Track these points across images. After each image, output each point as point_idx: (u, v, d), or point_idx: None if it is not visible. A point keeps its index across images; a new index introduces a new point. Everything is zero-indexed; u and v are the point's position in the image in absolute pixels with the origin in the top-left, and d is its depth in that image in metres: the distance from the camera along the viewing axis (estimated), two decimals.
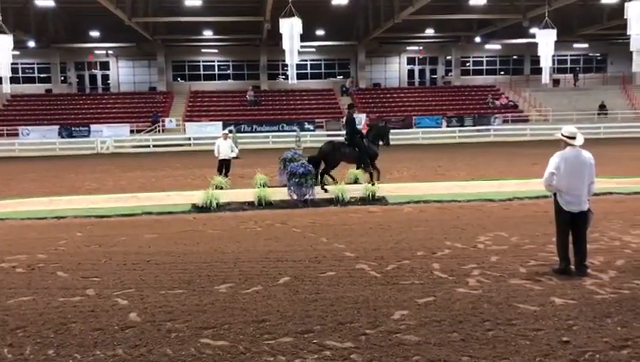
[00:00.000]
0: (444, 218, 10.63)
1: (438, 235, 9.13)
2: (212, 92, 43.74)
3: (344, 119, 15.01)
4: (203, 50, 45.21)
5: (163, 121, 37.94)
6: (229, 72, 46.67)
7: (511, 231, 9.23)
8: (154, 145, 34.88)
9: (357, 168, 14.53)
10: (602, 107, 40.27)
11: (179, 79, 46.01)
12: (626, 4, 18.95)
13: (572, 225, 6.87)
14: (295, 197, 12.31)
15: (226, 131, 18.23)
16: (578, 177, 6.79)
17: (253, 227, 10.16)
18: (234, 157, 16.92)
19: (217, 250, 8.44)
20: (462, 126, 38.12)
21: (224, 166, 16.18)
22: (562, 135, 6.93)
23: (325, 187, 13.47)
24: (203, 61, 46.17)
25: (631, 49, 18.79)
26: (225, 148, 16.17)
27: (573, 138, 6.84)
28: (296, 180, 12.21)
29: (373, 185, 13.61)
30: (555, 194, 6.98)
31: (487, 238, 8.85)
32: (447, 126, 38.30)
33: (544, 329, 5.24)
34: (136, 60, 45.71)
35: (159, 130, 37.61)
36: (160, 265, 7.67)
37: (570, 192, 6.80)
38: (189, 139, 35.83)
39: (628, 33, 18.87)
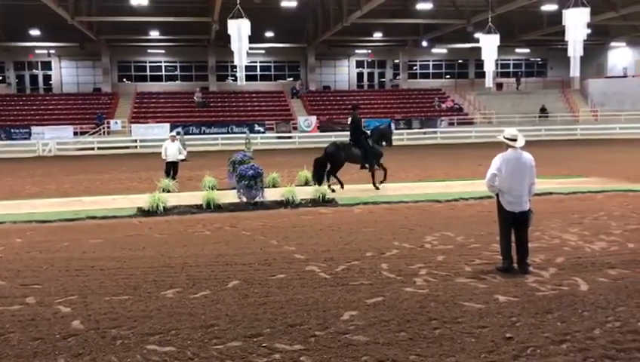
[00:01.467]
0: (392, 219, 10.77)
1: (387, 236, 9.24)
2: (159, 93, 42.90)
3: (349, 120, 15.24)
4: (149, 51, 44.30)
5: (108, 123, 36.91)
6: (176, 73, 45.88)
7: (457, 231, 9.44)
8: (99, 148, 33.91)
9: (361, 168, 14.72)
10: (543, 110, 41.73)
11: (124, 80, 44.91)
12: (564, 11, 19.74)
13: (514, 224, 7.09)
14: (245, 199, 12.21)
15: (174, 133, 17.94)
16: (519, 178, 7.01)
17: (202, 230, 10.02)
18: (182, 160, 16.65)
19: (164, 255, 8.28)
20: (409, 128, 38.73)
21: (172, 168, 15.90)
22: (504, 137, 7.14)
23: (332, 187, 13.76)
24: (150, 62, 45.22)
25: (569, 54, 19.58)
26: (172, 151, 15.90)
27: (514, 140, 7.07)
28: (246, 183, 12.12)
29: (376, 186, 14.17)
30: (497, 195, 7.19)
31: (434, 238, 9.02)
32: (396, 128, 38.81)
33: (489, 326, 5.38)
34: (80, 60, 44.31)
35: (104, 132, 36.59)
36: (104, 271, 7.46)
37: (512, 193, 7.02)
38: (136, 141, 34.97)
39: (566, 39, 19.66)
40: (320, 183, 13.75)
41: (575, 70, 19.54)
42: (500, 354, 4.79)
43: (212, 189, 13.32)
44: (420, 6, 33.67)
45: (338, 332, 5.28)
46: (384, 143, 14.65)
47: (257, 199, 12.20)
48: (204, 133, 36.59)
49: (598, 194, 12.99)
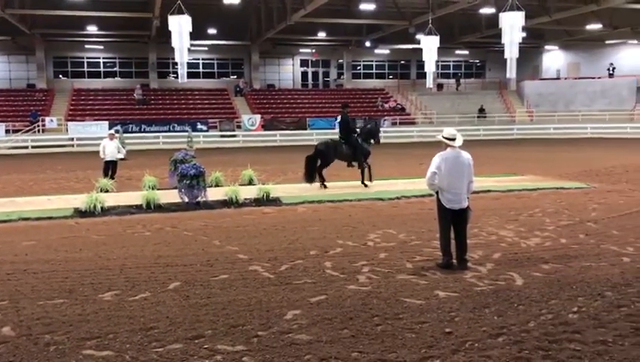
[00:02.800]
0: (336, 217, 10.83)
1: (331, 234, 9.29)
2: (97, 90, 41.57)
3: (338, 118, 15.31)
4: (87, 46, 42.84)
5: (43, 121, 35.47)
6: (115, 69, 44.58)
7: (399, 229, 9.59)
8: (33, 146, 32.59)
9: (348, 166, 14.92)
10: (481, 110, 43.02)
11: (60, 76, 43.26)
12: (501, 15, 20.41)
13: (453, 221, 7.27)
14: (186, 199, 11.99)
15: (113, 131, 17.45)
16: (458, 176, 7.19)
17: (142, 231, 9.77)
18: (121, 159, 16.22)
19: (102, 257, 8.02)
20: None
21: (110, 168, 15.47)
22: (443, 137, 7.31)
23: (325, 183, 14.18)
24: (87, 57, 43.74)
25: (505, 56, 20.26)
26: (111, 149, 15.47)
27: (453, 139, 7.25)
28: (188, 182, 11.89)
29: (364, 184, 14.42)
30: (437, 193, 7.35)
31: (377, 236, 9.13)
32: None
33: (429, 321, 5.49)
34: (12, 55, 42.37)
35: (39, 130, 35.12)
36: (38, 274, 7.15)
37: (451, 190, 7.19)
38: (72, 139, 33.82)
39: (502, 41, 20.33)
40: (311, 181, 14.04)
41: (511, 72, 20.24)
42: (440, 348, 4.89)
43: (152, 189, 13.01)
44: (363, 6, 34.03)
45: (281, 332, 5.26)
46: (372, 141, 14.92)
47: (199, 199, 12.00)
48: (145, 131, 35.77)
49: (533, 192, 13.49)
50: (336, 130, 17.23)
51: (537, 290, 6.35)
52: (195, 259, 7.85)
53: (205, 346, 4.99)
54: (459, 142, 7.26)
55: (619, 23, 38.26)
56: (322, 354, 4.81)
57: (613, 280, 6.66)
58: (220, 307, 5.93)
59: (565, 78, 46.51)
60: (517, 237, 8.93)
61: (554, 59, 49.24)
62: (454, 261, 7.28)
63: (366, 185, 14.41)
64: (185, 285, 6.69)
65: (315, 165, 14.21)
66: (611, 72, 44.12)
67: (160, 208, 11.63)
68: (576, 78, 45.55)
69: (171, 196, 12.35)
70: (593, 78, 44.25)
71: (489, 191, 13.45)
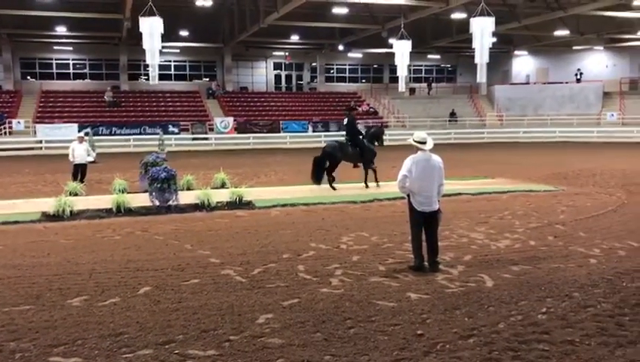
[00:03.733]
0: (310, 220, 10.83)
1: (304, 237, 9.28)
2: (66, 92, 40.80)
3: (345, 121, 15.66)
4: (56, 48, 42.10)
5: (10, 123, 34.69)
6: (85, 70, 43.90)
7: (371, 231, 9.63)
8: (0, 149, 31.86)
9: (354, 166, 15.25)
10: (452, 114, 43.53)
11: (28, 77, 42.41)
12: (471, 20, 20.70)
13: (425, 224, 7.33)
14: (157, 203, 11.84)
15: (82, 134, 17.16)
16: (429, 179, 7.26)
17: (111, 235, 9.61)
18: (91, 162, 15.96)
19: (71, 261, 7.87)
20: (327, 131, 39.16)
21: (79, 171, 15.21)
22: (413, 140, 7.38)
23: (334, 186, 14.42)
24: (56, 59, 42.99)
25: (475, 61, 20.55)
26: (80, 152, 15.23)
27: (424, 143, 7.31)
28: (159, 185, 11.73)
29: (366, 185, 14.75)
30: (408, 196, 7.40)
31: (350, 239, 9.16)
32: (314, 131, 39.18)
33: (401, 323, 5.52)
34: None
35: (6, 133, 34.34)
36: (4, 280, 6.98)
37: (422, 193, 7.25)
38: (41, 142, 33.14)
39: (473, 46, 20.62)
40: (319, 182, 14.33)
41: (482, 76, 20.53)
42: (412, 350, 4.92)
43: (123, 192, 12.82)
44: (336, 10, 34.15)
45: (253, 336, 5.23)
46: (376, 143, 15.33)
47: (171, 202, 11.86)
48: (115, 134, 35.28)
49: (503, 195, 13.69)
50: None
51: (507, 292, 6.44)
52: (166, 263, 7.76)
53: (176, 351, 4.93)
54: (429, 145, 7.32)
55: (585, 29, 39.18)
56: (294, 357, 4.79)
57: (580, 281, 6.79)
58: (191, 311, 5.87)
59: (534, 83, 47.40)
60: (487, 240, 9.05)
61: (523, 64, 50.16)
62: (426, 263, 7.34)
63: (367, 186, 14.76)
64: (155, 290, 6.61)
65: (323, 166, 14.51)
66: (579, 77, 45.12)
67: (130, 212, 11.47)
68: (544, 83, 46.45)
69: (142, 200, 12.18)
70: (561, 83, 45.18)
71: (460, 194, 13.61)
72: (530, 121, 41.94)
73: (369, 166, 14.94)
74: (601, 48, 46.26)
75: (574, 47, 45.77)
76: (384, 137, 16.00)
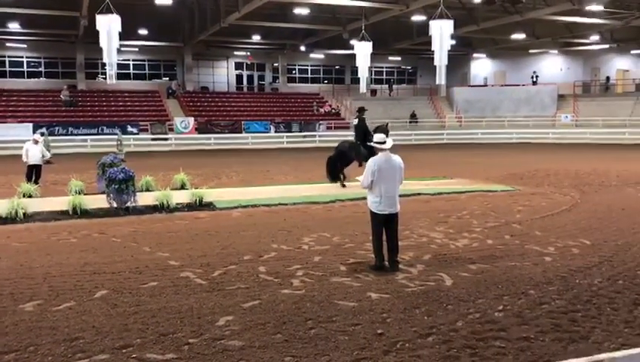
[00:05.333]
0: (271, 221, 10.78)
1: (266, 238, 9.24)
2: (20, 91, 39.51)
3: (355, 121, 16.09)
4: (8, 45, 40.75)
5: None
6: (40, 69, 42.65)
7: (333, 232, 9.66)
8: None
9: (359, 165, 15.43)
10: (413, 116, 44.04)
11: None
12: (431, 22, 20.98)
13: (385, 224, 7.39)
14: (115, 204, 11.59)
15: (37, 136, 16.66)
16: (391, 180, 7.34)
17: (67, 238, 9.37)
18: (46, 162, 15.52)
19: (24, 265, 7.63)
20: (289, 132, 39.14)
21: (34, 172, 14.79)
22: (374, 142, 7.47)
23: (345, 183, 14.86)
24: (9, 56, 41.61)
25: (435, 63, 20.84)
26: (35, 153, 14.81)
27: (383, 143, 7.41)
28: (116, 186, 11.49)
29: None
30: (370, 196, 7.46)
31: (312, 239, 9.16)
32: (276, 131, 39.08)
33: (361, 323, 5.54)
34: None
35: None
36: None
37: (386, 195, 7.32)
38: None
39: (432, 49, 20.90)
40: (335, 180, 14.90)
41: (441, 78, 20.82)
42: (372, 350, 4.95)
43: (79, 194, 12.53)
44: (297, 11, 34.13)
45: (213, 339, 5.17)
46: None
47: (129, 204, 11.63)
48: (72, 134, 34.38)
49: (462, 195, 13.93)
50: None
51: (465, 290, 6.55)
52: (123, 266, 7.61)
53: (134, 355, 4.84)
54: (389, 145, 7.44)
55: (541, 33, 40.24)
56: (255, 359, 4.76)
57: (535, 279, 6.96)
58: (149, 315, 5.77)
59: (492, 85, 48.38)
60: (446, 239, 9.19)
61: (482, 66, 51.17)
62: (386, 263, 7.41)
63: None
64: (113, 293, 6.47)
65: (337, 165, 15.02)
66: (535, 79, 46.31)
67: (87, 214, 11.20)
68: (502, 86, 47.47)
69: (99, 201, 11.91)
70: (518, 85, 46.27)
71: (420, 194, 13.79)
72: (488, 122, 42.79)
73: None
74: (556, 52, 47.60)
75: (530, 51, 46.97)
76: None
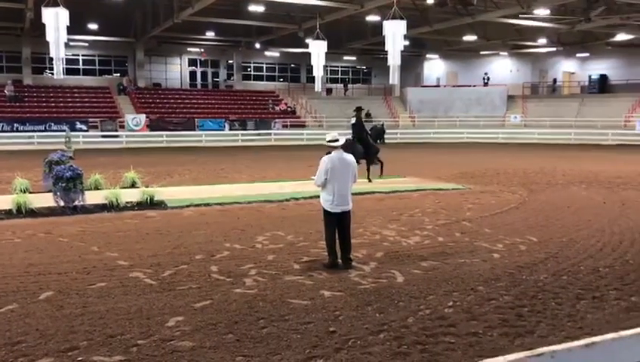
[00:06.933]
0: (224, 220, 10.67)
1: (218, 238, 9.13)
2: None
3: (353, 120, 16.49)
4: None
5: None
6: None
7: (287, 230, 9.64)
8: None
9: (357, 163, 15.89)
10: (368, 115, 44.29)
11: None
12: (384, 23, 21.20)
13: (338, 222, 7.43)
14: (62, 203, 11.24)
15: None
16: (344, 178, 7.38)
17: (11, 238, 9.02)
18: None
19: None
20: (244, 129, 38.88)
21: None
22: (327, 141, 7.51)
23: None
24: None
25: (388, 63, 21.07)
26: None
27: (336, 140, 7.47)
28: (63, 185, 11.14)
29: (369, 179, 15.67)
30: (323, 195, 7.47)
31: (265, 238, 9.11)
32: (230, 129, 38.73)
33: (314, 321, 5.55)
34: None
35: None
36: None
37: (338, 192, 7.35)
38: None
39: (386, 49, 21.13)
40: None
41: (394, 78, 21.09)
42: (324, 348, 4.95)
43: (24, 192, 12.06)
44: (252, 8, 33.88)
45: (162, 340, 5.07)
46: (378, 141, 16.71)
47: (76, 203, 11.29)
48: (17, 131, 33.25)
49: (414, 193, 14.13)
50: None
51: (416, 287, 6.65)
52: (70, 266, 7.38)
53: (79, 358, 4.70)
54: (341, 142, 7.52)
55: (491, 35, 41.22)
56: (205, 360, 4.70)
57: (484, 276, 7.12)
58: (96, 316, 5.62)
59: (445, 86, 49.29)
60: (399, 236, 9.30)
61: (435, 67, 52.05)
62: (340, 260, 7.44)
63: (370, 181, 15.62)
64: (58, 294, 6.27)
65: None
66: (486, 81, 47.43)
67: (32, 213, 10.83)
68: (454, 86, 48.43)
69: (45, 200, 11.52)
70: (470, 86, 47.29)
71: (373, 192, 13.92)
72: (441, 122, 43.58)
73: (372, 162, 16.06)
74: (506, 54, 48.87)
75: (482, 53, 48.07)
76: (384, 135, 17.46)
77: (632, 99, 41.07)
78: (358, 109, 16.71)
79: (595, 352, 2.46)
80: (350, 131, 16.34)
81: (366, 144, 16.03)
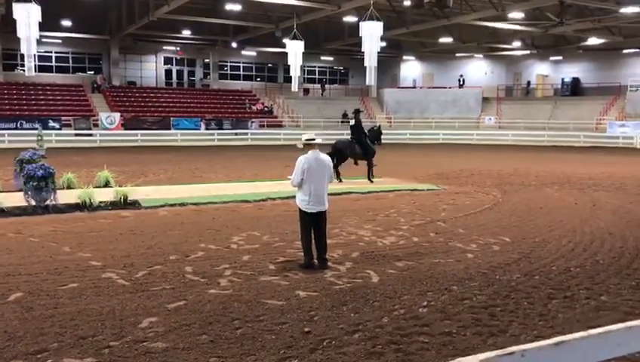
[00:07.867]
0: (200, 220, 10.59)
1: (193, 238, 9.05)
2: None
3: (352, 121, 16.82)
4: None
5: None
6: None
7: (263, 231, 9.60)
8: None
9: (355, 163, 16.75)
10: (345, 115, 44.44)
11: None
12: (361, 24, 21.29)
13: (314, 223, 7.43)
14: (33, 202, 11.03)
15: None
16: (320, 178, 7.39)
17: None
18: None
19: None
20: (221, 129, 38.64)
21: None
22: (304, 140, 7.52)
23: (341, 178, 15.36)
24: None
25: (365, 64, 21.16)
26: None
27: (313, 139, 7.48)
28: (35, 184, 10.93)
29: (370, 180, 16.09)
30: (299, 195, 7.47)
31: (241, 238, 9.06)
32: (206, 128, 38.46)
33: (289, 322, 5.53)
34: None
35: None
36: None
37: (314, 192, 7.35)
38: None
39: (362, 50, 21.22)
40: (336, 177, 15.31)
41: (371, 79, 21.18)
42: (298, 348, 4.94)
43: None
44: (229, 7, 33.74)
45: (135, 341, 5.01)
46: (376, 142, 16.91)
47: (48, 202, 11.09)
48: None
49: (390, 194, 14.21)
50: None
51: (391, 287, 6.68)
52: (41, 267, 7.24)
53: (49, 360, 4.61)
54: (317, 141, 7.56)
55: (467, 38, 41.70)
56: (178, 361, 4.65)
57: (458, 275, 7.19)
58: (68, 318, 5.52)
59: (421, 87, 49.68)
60: (374, 236, 9.33)
61: (411, 69, 52.42)
62: (315, 261, 7.44)
63: (372, 181, 16.04)
64: (28, 296, 6.15)
65: (334, 162, 15.20)
66: (461, 82, 47.93)
67: (2, 212, 10.59)
68: (430, 88, 48.84)
69: (16, 199, 11.30)
70: (445, 87, 47.74)
71: (350, 192, 13.96)
72: (417, 123, 43.91)
73: (370, 162, 16.39)
74: (481, 56, 49.47)
75: (457, 55, 48.57)
76: (381, 136, 17.55)
77: (603, 102, 41.94)
78: (357, 111, 17.16)
79: (564, 351, 2.50)
80: (347, 132, 16.91)
81: (365, 145, 16.37)
